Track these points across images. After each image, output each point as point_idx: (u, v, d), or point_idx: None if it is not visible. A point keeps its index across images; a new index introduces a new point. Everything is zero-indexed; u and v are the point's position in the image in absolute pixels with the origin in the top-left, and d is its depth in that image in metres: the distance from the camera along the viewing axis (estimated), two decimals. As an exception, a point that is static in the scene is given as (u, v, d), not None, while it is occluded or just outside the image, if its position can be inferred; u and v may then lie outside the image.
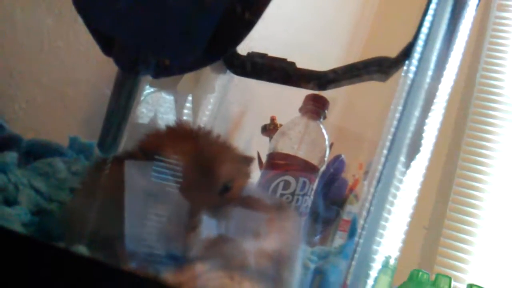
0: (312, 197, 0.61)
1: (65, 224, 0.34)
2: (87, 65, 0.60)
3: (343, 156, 0.75)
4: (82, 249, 0.26)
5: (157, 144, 0.35)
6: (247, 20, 0.32)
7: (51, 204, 0.35)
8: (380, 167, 0.34)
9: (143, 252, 0.28)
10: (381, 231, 0.34)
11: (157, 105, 0.72)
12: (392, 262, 0.39)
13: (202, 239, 0.30)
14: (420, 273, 0.50)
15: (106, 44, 0.36)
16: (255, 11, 0.33)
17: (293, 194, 0.60)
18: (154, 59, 0.34)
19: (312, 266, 0.39)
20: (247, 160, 0.41)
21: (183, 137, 0.37)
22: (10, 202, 0.34)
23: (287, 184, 0.61)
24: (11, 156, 0.35)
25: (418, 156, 0.37)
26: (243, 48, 0.76)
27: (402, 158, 0.34)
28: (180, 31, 0.33)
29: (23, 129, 0.47)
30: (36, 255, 0.22)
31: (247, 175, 0.39)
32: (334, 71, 0.55)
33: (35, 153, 0.40)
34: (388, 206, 0.34)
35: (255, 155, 0.79)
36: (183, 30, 0.33)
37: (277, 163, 0.64)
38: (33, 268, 0.22)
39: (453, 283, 0.51)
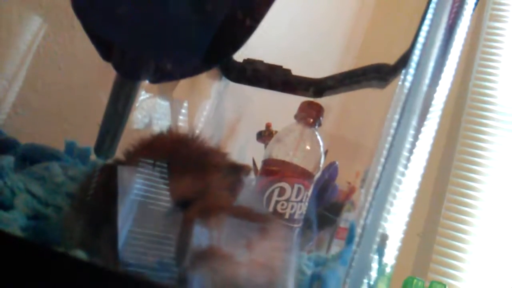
0: (307, 203, 0.61)
1: (64, 228, 0.34)
2: (83, 70, 0.60)
3: (337, 162, 0.75)
4: (80, 254, 0.26)
5: (137, 152, 0.35)
6: (247, 26, 0.32)
7: (47, 209, 0.35)
8: (377, 175, 0.34)
9: (134, 260, 0.28)
10: (378, 238, 0.34)
11: (152, 111, 0.72)
12: (388, 270, 0.39)
13: (190, 250, 0.29)
14: (415, 280, 0.50)
15: (105, 49, 0.36)
16: (255, 18, 0.33)
17: (288, 200, 0.60)
18: (153, 64, 0.34)
19: (309, 272, 0.39)
20: (238, 169, 0.39)
21: (159, 146, 0.36)
22: (6, 206, 0.34)
23: (282, 191, 0.60)
24: (8, 160, 0.35)
25: (414, 165, 0.37)
26: (239, 55, 0.76)
27: (400, 167, 0.34)
28: (180, 36, 0.33)
29: (19, 133, 0.47)
30: (35, 259, 0.22)
31: (233, 185, 0.37)
32: (331, 78, 0.55)
33: (31, 157, 0.40)
34: (385, 214, 0.34)
35: (250, 161, 0.79)
36: (183, 36, 0.33)
37: (272, 169, 0.63)
38: (31, 272, 0.22)
39: (448, 290, 0.51)
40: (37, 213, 0.34)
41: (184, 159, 0.35)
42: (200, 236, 0.31)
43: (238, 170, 0.38)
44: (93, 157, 0.42)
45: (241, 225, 0.33)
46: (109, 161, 0.36)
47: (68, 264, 0.23)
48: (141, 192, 0.31)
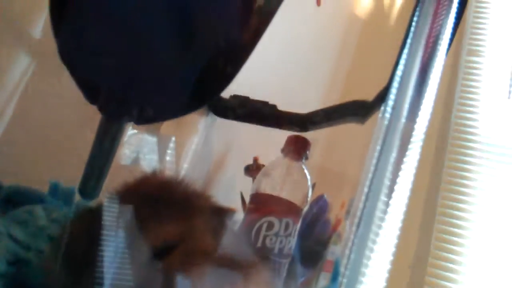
0: (295, 238, 0.61)
1: (44, 273, 0.33)
2: (70, 108, 0.60)
3: (325, 196, 0.75)
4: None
5: (120, 196, 0.35)
6: (228, 73, 0.34)
7: (28, 253, 0.34)
8: (361, 206, 0.35)
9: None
10: (364, 269, 0.34)
11: (140, 147, 0.72)
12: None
13: None
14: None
15: (91, 92, 0.36)
16: (235, 64, 0.34)
17: (276, 235, 0.60)
18: (138, 108, 0.35)
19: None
20: (222, 212, 0.39)
21: (143, 190, 0.35)
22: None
23: (270, 225, 0.60)
24: (-11, 204, 0.35)
25: (397, 195, 0.38)
26: (225, 91, 0.78)
27: (383, 197, 0.34)
28: (165, 80, 0.34)
29: (3, 173, 0.47)
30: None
31: (217, 228, 0.36)
32: (315, 113, 0.57)
33: (15, 200, 0.39)
34: (370, 245, 0.35)
35: (238, 195, 0.79)
36: (168, 79, 0.34)
37: (261, 204, 0.63)
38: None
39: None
40: (18, 258, 0.34)
41: (167, 203, 0.35)
42: (183, 284, 0.30)
43: (222, 213, 0.38)
44: (77, 197, 0.42)
45: (224, 273, 0.33)
46: (92, 204, 0.35)
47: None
48: (124, 237, 0.30)
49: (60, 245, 0.34)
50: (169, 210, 0.34)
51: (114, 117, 0.35)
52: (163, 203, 0.34)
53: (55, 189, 0.42)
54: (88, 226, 0.32)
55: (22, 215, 0.37)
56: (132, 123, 0.43)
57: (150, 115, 0.35)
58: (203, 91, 0.35)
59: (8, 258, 0.33)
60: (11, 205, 0.39)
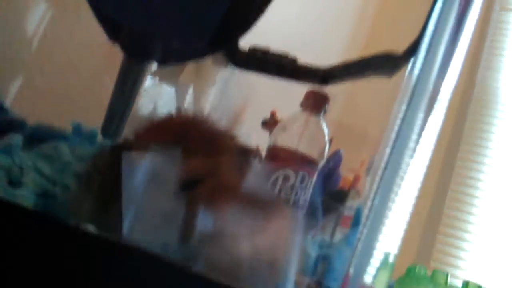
0: (311, 190, 0.62)
1: (72, 206, 0.34)
2: (90, 53, 0.60)
3: (341, 151, 0.75)
4: (90, 228, 0.26)
5: (145, 134, 0.35)
6: (257, 8, 0.32)
7: (55, 187, 0.35)
8: (383, 165, 0.34)
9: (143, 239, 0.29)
10: (382, 227, 0.34)
11: (157, 97, 0.72)
12: (391, 259, 0.39)
13: (199, 229, 0.29)
14: (417, 268, 0.50)
15: (113, 29, 0.35)
16: (258, 7, 0.33)
17: (292, 187, 0.60)
18: (161, 44, 0.34)
19: (314, 254, 0.39)
20: (247, 152, 0.39)
21: (169, 127, 0.36)
22: (15, 183, 0.34)
23: (286, 178, 0.61)
24: (16, 139, 0.35)
25: (418, 156, 0.37)
26: (245, 42, 0.76)
27: (406, 158, 0.34)
28: (188, 16, 0.33)
29: (26, 115, 0.47)
30: (48, 232, 0.22)
31: (242, 166, 0.37)
32: (338, 66, 0.55)
33: (38, 138, 0.40)
34: (389, 204, 0.35)
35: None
36: (191, 15, 0.33)
37: (277, 157, 0.64)
38: (44, 244, 0.22)
39: (449, 279, 0.51)
40: (45, 191, 0.35)
41: (194, 140, 0.35)
42: (209, 215, 0.31)
43: (246, 153, 0.39)
44: (100, 138, 0.42)
45: (248, 208, 0.33)
46: (118, 141, 0.36)
47: (80, 237, 0.23)
48: (151, 171, 0.31)
49: (87, 179, 0.35)
50: (196, 145, 0.34)
51: (135, 54, 0.35)
52: (190, 139, 0.35)
53: (78, 129, 0.43)
54: (117, 159, 0.32)
55: (48, 151, 0.37)
56: (152, 68, 0.43)
57: (171, 54, 0.34)
58: (225, 32, 0.34)
59: (36, 190, 0.34)
60: (36, 142, 0.40)
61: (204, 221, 0.31)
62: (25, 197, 0.32)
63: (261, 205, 0.35)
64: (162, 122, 0.37)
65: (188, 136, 0.35)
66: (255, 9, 0.32)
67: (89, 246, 0.23)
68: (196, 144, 0.35)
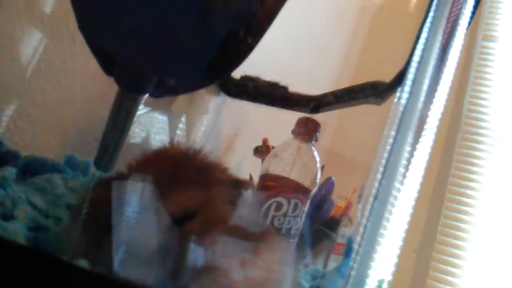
0: (303, 218, 0.62)
1: (64, 239, 0.34)
2: (84, 85, 0.60)
3: (333, 178, 0.75)
4: (83, 263, 0.26)
5: (137, 166, 0.35)
6: (248, 43, 0.33)
7: (47, 220, 0.35)
8: (374, 191, 0.35)
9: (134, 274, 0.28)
10: (374, 254, 0.34)
11: (150, 125, 0.72)
12: (385, 286, 0.39)
13: (190, 264, 0.29)
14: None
15: (108, 64, 0.36)
16: (255, 35, 0.34)
17: (285, 215, 0.60)
18: (155, 78, 0.35)
19: (307, 285, 0.39)
20: (239, 184, 0.39)
21: (162, 160, 0.36)
22: (8, 217, 0.34)
23: (279, 206, 0.61)
24: (10, 171, 0.35)
25: (410, 182, 0.37)
26: (237, 71, 0.77)
27: (396, 183, 0.34)
28: (182, 52, 0.34)
29: (19, 146, 0.47)
30: (39, 267, 0.22)
31: (234, 199, 0.37)
32: (328, 94, 0.56)
33: (32, 169, 0.40)
34: (381, 230, 0.35)
35: (247, 177, 0.79)
36: (185, 51, 0.34)
37: (269, 184, 0.64)
38: (35, 280, 0.22)
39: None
40: (37, 225, 0.34)
41: (186, 173, 0.35)
42: (200, 250, 0.31)
43: (238, 185, 0.39)
44: (93, 169, 0.42)
45: (240, 241, 0.33)
46: (111, 173, 0.36)
47: (71, 272, 0.23)
48: (143, 205, 0.31)
49: (80, 212, 0.34)
50: (188, 179, 0.34)
51: (130, 88, 0.35)
52: (182, 172, 0.35)
53: (71, 161, 0.43)
54: (109, 193, 0.32)
55: (41, 183, 0.37)
56: (144, 99, 0.43)
57: (165, 88, 0.35)
58: (218, 66, 0.35)
59: (28, 224, 0.34)
60: (29, 174, 0.40)
61: (196, 255, 0.31)
62: (17, 231, 0.32)
63: (253, 238, 0.35)
64: (155, 154, 0.37)
65: (180, 169, 0.35)
66: (248, 44, 0.33)
67: (81, 282, 0.23)
68: (188, 176, 0.35)
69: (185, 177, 0.34)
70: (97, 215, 0.32)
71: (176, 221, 0.32)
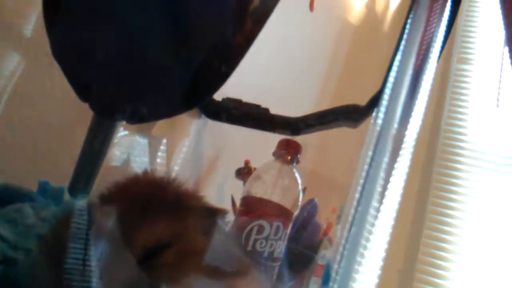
0: (285, 241, 0.61)
1: (32, 273, 0.32)
2: (60, 109, 0.59)
3: (316, 200, 0.75)
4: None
5: (110, 195, 0.34)
6: (223, 72, 0.34)
7: (16, 252, 0.34)
8: (352, 211, 0.35)
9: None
10: (355, 275, 0.34)
11: (131, 148, 0.71)
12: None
13: None
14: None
15: (83, 89, 0.36)
16: (230, 64, 0.34)
17: (267, 238, 0.60)
18: (130, 106, 0.34)
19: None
20: (214, 212, 0.38)
21: (134, 190, 0.35)
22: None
23: (261, 229, 0.60)
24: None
25: (388, 201, 0.38)
26: (218, 93, 0.78)
27: (374, 202, 0.35)
28: (157, 80, 0.34)
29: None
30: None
31: (209, 228, 0.36)
32: (307, 117, 0.57)
33: (4, 198, 0.39)
34: (361, 250, 0.35)
35: (229, 198, 0.79)
36: (160, 79, 0.34)
37: (251, 207, 0.63)
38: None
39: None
40: (6, 258, 0.33)
41: (159, 202, 0.34)
42: (176, 284, 0.30)
43: (214, 213, 0.38)
44: (67, 196, 0.41)
45: (216, 273, 0.32)
46: (83, 203, 0.35)
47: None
48: (113, 237, 0.30)
49: (47, 244, 0.33)
50: (161, 209, 0.33)
51: (106, 115, 0.35)
52: (154, 203, 0.34)
53: (44, 188, 0.42)
54: (71, 229, 0.31)
55: (11, 214, 0.36)
56: (123, 123, 0.43)
57: (143, 114, 0.35)
58: (196, 92, 0.35)
59: (-4, 257, 0.33)
60: (1, 204, 0.38)
61: None
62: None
63: (228, 276, 0.34)
64: (127, 182, 0.36)
65: (154, 198, 0.34)
66: (226, 69, 0.34)
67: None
68: (162, 206, 0.34)
69: (158, 206, 0.34)
70: (61, 248, 0.30)
71: (149, 252, 0.31)
